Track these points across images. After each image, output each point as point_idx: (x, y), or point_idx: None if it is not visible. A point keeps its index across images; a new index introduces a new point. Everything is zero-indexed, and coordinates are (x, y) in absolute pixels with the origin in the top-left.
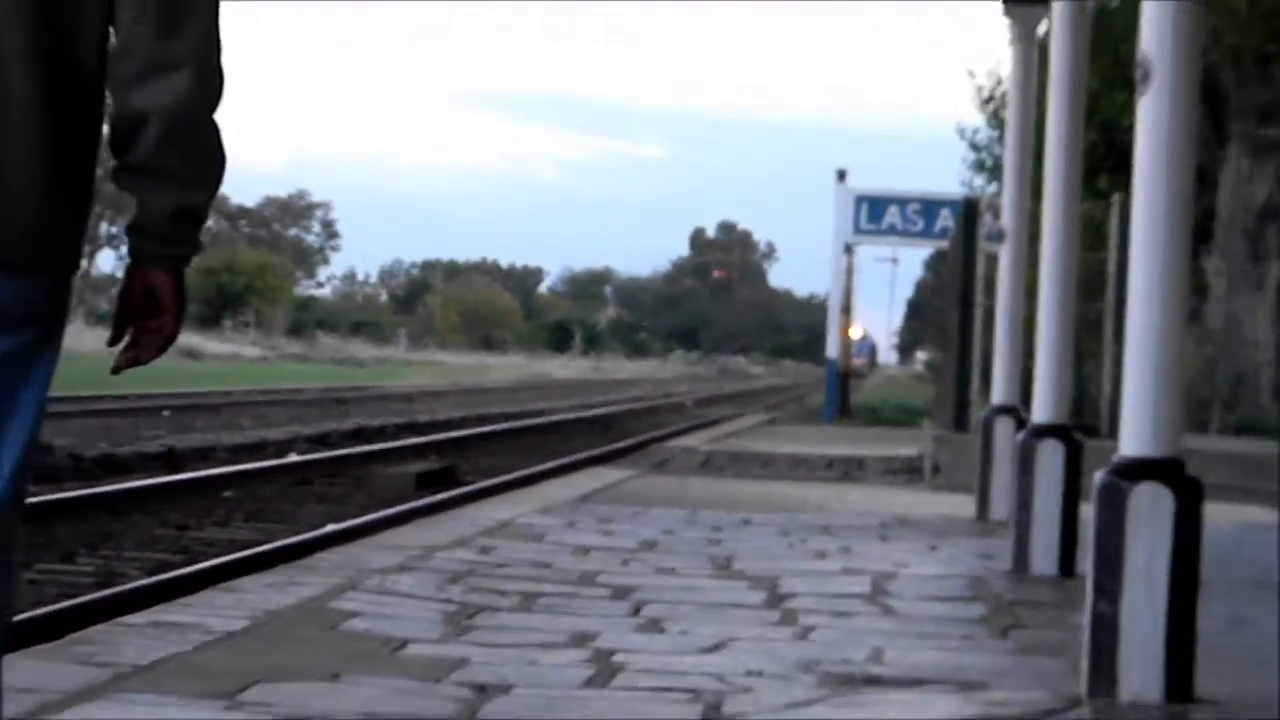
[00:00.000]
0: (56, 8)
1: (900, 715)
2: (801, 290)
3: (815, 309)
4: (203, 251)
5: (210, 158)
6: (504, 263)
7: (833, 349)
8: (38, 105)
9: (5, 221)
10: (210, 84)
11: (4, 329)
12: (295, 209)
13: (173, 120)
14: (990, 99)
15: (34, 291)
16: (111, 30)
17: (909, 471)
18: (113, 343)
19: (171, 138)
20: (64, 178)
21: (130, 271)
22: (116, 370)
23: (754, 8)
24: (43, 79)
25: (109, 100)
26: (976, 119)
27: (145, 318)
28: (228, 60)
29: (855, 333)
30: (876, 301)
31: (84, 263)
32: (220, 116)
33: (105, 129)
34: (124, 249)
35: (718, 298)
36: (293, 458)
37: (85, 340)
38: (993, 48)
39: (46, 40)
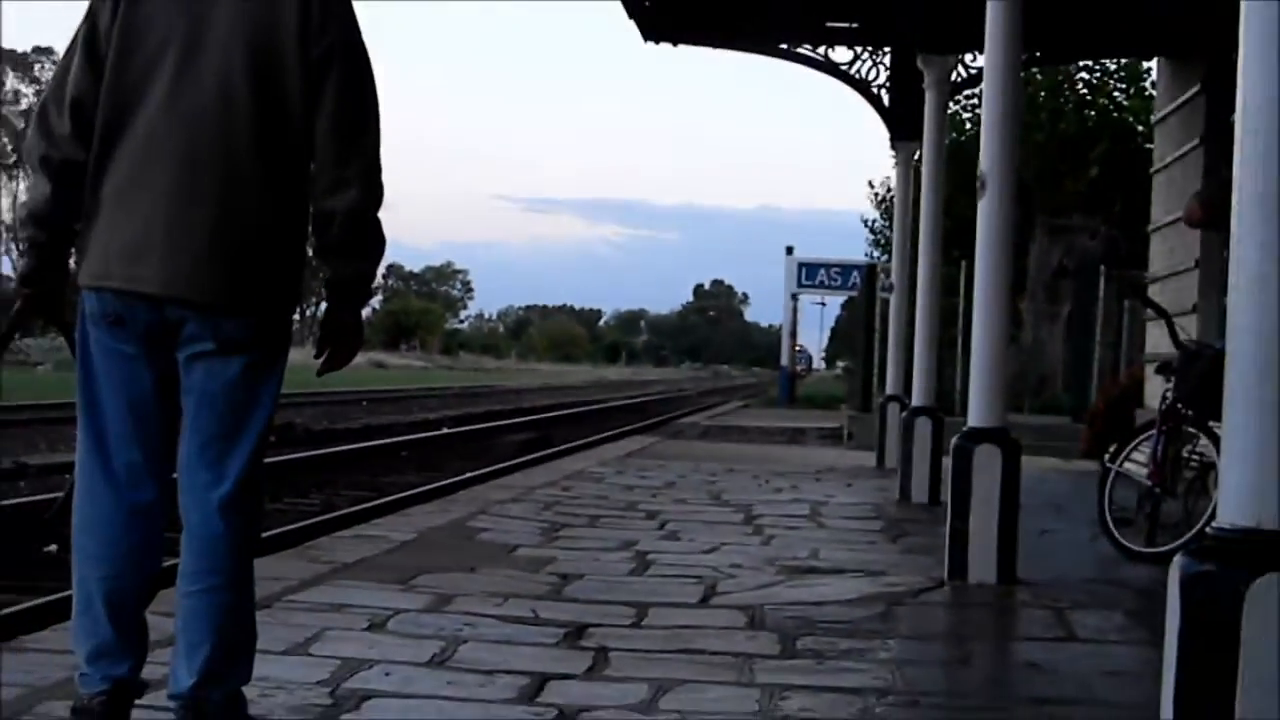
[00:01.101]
0: (281, 148)
1: (830, 591)
2: (764, 322)
3: (773, 334)
4: (374, 298)
5: (375, 241)
6: (577, 306)
7: (784, 359)
8: (267, 211)
9: (241, 281)
10: (373, 194)
11: (241, 351)
12: (445, 273)
13: (348, 218)
14: (883, 200)
15: (259, 325)
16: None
17: (833, 437)
18: (318, 357)
19: (348, 229)
20: (281, 252)
21: (327, 311)
22: (320, 374)
23: (735, 135)
24: (272, 194)
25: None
26: (874, 213)
27: (337, 341)
28: (404, 172)
29: (798, 348)
30: (812, 328)
31: (311, 309)
32: (385, 214)
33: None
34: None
35: (712, 327)
36: (444, 430)
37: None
38: (884, 166)
39: (275, 168)
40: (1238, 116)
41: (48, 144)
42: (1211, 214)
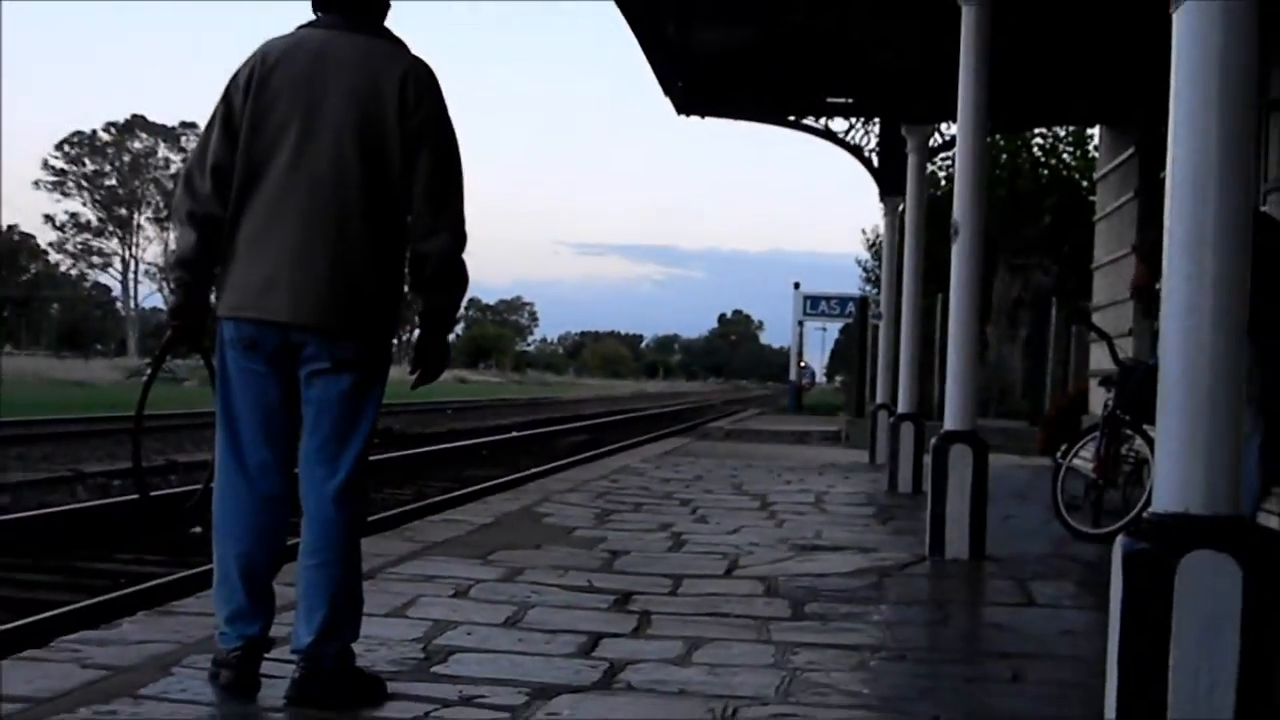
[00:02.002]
0: (384, 203)
1: (832, 565)
2: (776, 345)
3: (783, 354)
4: (458, 325)
5: (460, 278)
6: (622, 331)
7: (793, 374)
8: (373, 254)
9: (352, 311)
10: (459, 240)
11: (351, 368)
12: (515, 305)
13: (439, 260)
14: (873, 244)
15: (366, 347)
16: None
17: (833, 439)
18: (412, 373)
19: (439, 269)
20: (384, 287)
21: (420, 336)
22: (414, 388)
23: (751, 189)
24: (377, 241)
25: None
26: (866, 255)
27: (428, 361)
28: (483, 222)
29: (804, 365)
30: (815, 349)
31: (407, 335)
32: (467, 257)
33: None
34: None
35: (733, 349)
36: (515, 433)
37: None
38: (874, 216)
39: (379, 219)
40: (1168, 172)
41: (192, 201)
42: (1155, 272)
